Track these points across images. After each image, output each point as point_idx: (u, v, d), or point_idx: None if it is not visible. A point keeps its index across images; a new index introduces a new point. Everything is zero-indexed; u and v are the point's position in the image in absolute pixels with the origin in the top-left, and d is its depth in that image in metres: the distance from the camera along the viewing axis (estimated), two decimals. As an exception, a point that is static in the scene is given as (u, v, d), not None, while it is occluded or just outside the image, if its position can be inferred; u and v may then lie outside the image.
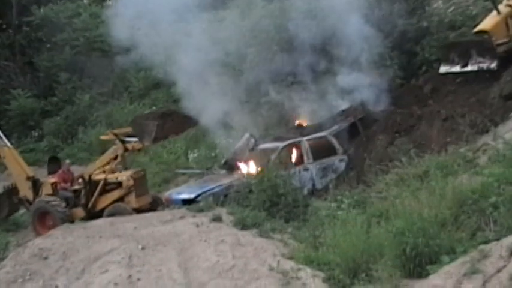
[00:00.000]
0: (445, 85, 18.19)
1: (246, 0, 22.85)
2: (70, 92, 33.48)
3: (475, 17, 19.51)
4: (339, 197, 14.34)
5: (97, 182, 17.48)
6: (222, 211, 14.11)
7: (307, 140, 17.60)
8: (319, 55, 19.31)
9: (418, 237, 9.63)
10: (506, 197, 10.08)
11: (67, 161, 19.41)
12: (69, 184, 18.11)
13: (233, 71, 20.72)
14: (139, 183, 17.27)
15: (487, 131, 15.17)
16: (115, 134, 17.90)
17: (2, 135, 19.17)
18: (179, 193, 16.96)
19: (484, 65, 17.20)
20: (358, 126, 18.07)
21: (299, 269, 10.72)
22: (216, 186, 16.37)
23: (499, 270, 8.40)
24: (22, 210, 20.05)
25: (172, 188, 19.04)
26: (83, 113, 31.95)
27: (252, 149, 17.92)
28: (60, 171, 18.44)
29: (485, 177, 11.16)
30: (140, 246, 12.58)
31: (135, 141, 17.73)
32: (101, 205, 17.37)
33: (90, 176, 17.67)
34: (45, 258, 12.78)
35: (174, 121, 20.44)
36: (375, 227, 11.22)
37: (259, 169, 16.22)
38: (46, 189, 18.07)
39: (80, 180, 17.98)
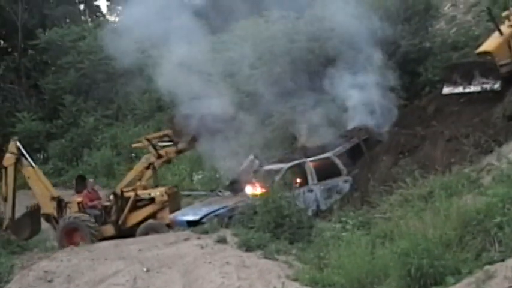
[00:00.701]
0: (449, 105, 18.19)
1: (249, 22, 23.00)
2: (75, 114, 33.62)
3: (478, 37, 19.57)
4: (343, 218, 14.33)
5: (129, 198, 17.51)
6: (227, 233, 14.12)
7: (312, 161, 17.60)
8: (323, 76, 19.37)
9: (423, 258, 9.62)
10: (511, 217, 10.07)
11: (90, 180, 19.44)
12: (96, 202, 18.12)
13: (236, 93, 20.78)
14: (173, 199, 17.42)
15: (491, 151, 15.14)
16: (148, 140, 17.89)
17: (26, 155, 19.15)
18: (184, 215, 16.95)
19: (487, 86, 17.18)
20: (362, 147, 18.05)
21: (304, 291, 10.71)
22: (221, 208, 16.36)
23: (504, 291, 8.38)
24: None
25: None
26: (88, 135, 32.06)
27: (257, 171, 17.91)
28: (85, 191, 18.46)
29: (490, 197, 11.15)
30: (145, 269, 12.57)
31: (169, 145, 17.74)
32: (131, 222, 17.43)
33: (122, 192, 17.70)
34: (50, 281, 12.76)
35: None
36: (380, 248, 11.21)
37: (263, 190, 16.21)
38: (73, 208, 18.09)
39: (111, 197, 18.01)
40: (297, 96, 19.86)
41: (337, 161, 17.70)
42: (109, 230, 17.62)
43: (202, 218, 15.95)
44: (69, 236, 17.58)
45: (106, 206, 18.12)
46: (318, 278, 11.17)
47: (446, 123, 17.45)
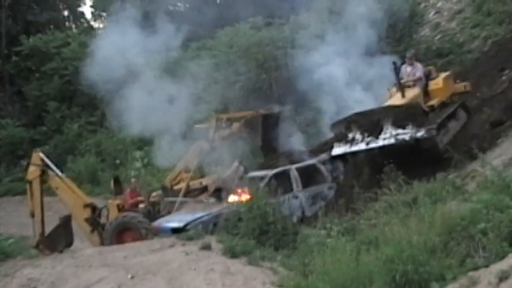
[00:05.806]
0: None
1: (234, 29, 23.02)
2: (59, 121, 33.46)
3: (462, 44, 19.70)
4: (328, 225, 14.30)
5: (178, 191, 17.36)
6: (212, 239, 14.06)
7: (296, 168, 17.61)
8: (307, 85, 19.41)
9: (408, 264, 9.63)
10: (495, 223, 10.10)
11: (133, 180, 19.29)
12: (139, 199, 18.04)
13: (222, 98, 20.78)
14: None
15: (476, 158, 15.20)
16: (218, 119, 17.98)
17: (52, 165, 18.35)
18: (168, 221, 16.84)
19: (406, 136, 15.51)
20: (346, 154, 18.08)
21: (289, 297, 10.69)
22: (206, 215, 16.29)
23: (488, 297, 8.40)
24: (12, 240, 19.84)
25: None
26: (72, 142, 31.91)
27: (241, 177, 17.90)
28: (127, 191, 18.32)
29: (474, 203, 11.17)
30: (129, 276, 12.50)
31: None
32: None
33: (172, 185, 17.55)
34: (34, 288, 12.68)
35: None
36: (365, 255, 11.20)
37: (248, 197, 16.18)
38: (112, 211, 17.87)
39: (160, 192, 18.00)
40: (282, 103, 19.88)
41: (322, 168, 17.73)
42: None
43: (186, 225, 15.87)
44: (120, 236, 17.09)
45: (153, 202, 17.98)
46: (302, 284, 11.14)
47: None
